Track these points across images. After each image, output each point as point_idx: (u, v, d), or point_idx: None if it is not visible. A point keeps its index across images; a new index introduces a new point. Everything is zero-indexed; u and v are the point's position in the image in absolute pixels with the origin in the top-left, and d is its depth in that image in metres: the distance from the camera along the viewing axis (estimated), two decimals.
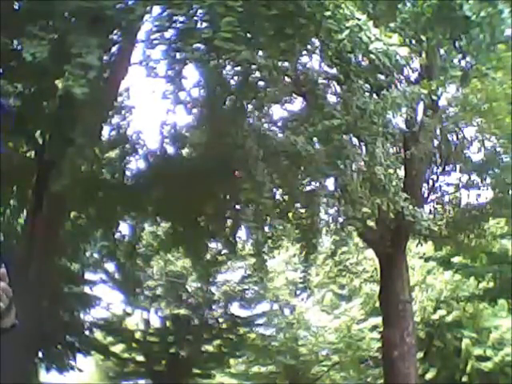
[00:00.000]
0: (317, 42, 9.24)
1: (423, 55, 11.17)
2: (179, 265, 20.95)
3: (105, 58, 8.82)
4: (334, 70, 10.24)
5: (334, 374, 23.00)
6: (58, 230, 10.89)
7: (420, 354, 17.33)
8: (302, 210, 12.23)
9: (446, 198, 14.24)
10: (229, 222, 13.14)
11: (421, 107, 12.64)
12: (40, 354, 17.24)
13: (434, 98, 11.97)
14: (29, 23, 7.48)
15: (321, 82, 10.82)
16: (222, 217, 12.94)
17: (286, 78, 10.92)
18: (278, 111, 22.11)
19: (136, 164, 13.38)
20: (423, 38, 10.67)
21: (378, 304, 14.95)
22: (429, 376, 18.87)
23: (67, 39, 7.35)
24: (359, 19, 8.04)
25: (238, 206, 12.47)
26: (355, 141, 10.84)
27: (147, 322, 22.26)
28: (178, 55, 8.33)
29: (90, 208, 13.09)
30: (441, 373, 19.08)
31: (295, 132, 10.79)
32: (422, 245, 14.75)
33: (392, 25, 9.73)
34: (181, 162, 12.63)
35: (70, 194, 9.94)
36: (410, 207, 10.26)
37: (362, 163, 10.56)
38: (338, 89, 11.01)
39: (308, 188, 11.83)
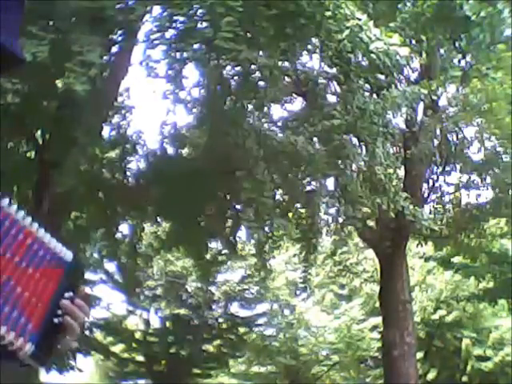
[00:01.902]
0: (317, 42, 9.25)
1: (423, 55, 11.17)
2: (179, 265, 20.95)
3: (105, 57, 8.83)
4: (334, 70, 10.25)
5: (334, 373, 23.00)
6: (58, 230, 10.88)
7: (420, 354, 17.33)
8: (302, 210, 12.23)
9: (446, 198, 14.25)
10: (229, 222, 13.14)
11: (421, 107, 12.65)
12: None
13: (434, 97, 11.97)
14: (29, 23, 7.49)
15: (321, 81, 10.82)
16: (222, 217, 12.94)
17: (286, 77, 10.93)
18: (277, 111, 22.03)
19: (136, 164, 13.38)
20: (423, 37, 10.68)
21: (378, 304, 14.95)
22: (430, 376, 18.88)
23: (68, 38, 7.36)
24: (359, 19, 8.05)
25: (238, 206, 12.47)
26: (355, 141, 10.85)
27: (147, 322, 22.26)
28: (178, 55, 8.33)
29: (90, 208, 13.09)
30: (441, 373, 19.08)
31: (295, 132, 10.79)
32: (422, 245, 14.74)
33: (392, 25, 9.74)
34: (181, 162, 12.63)
35: (71, 194, 9.94)
36: (411, 207, 10.27)
37: (362, 163, 10.57)
38: (338, 89, 11.01)
39: (308, 188, 11.84)
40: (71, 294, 1.48)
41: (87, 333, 20.05)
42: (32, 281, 1.39)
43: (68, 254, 1.51)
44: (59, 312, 1.45)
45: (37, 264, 1.41)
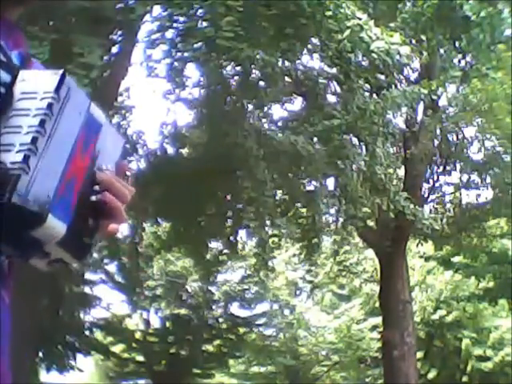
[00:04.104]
0: (317, 42, 9.25)
1: (423, 55, 11.18)
2: (179, 265, 20.96)
3: (105, 57, 8.83)
4: (334, 70, 10.25)
5: (334, 373, 23.00)
6: None
7: (420, 354, 17.33)
8: (303, 210, 12.24)
9: (447, 198, 14.25)
10: (229, 222, 13.14)
11: (421, 107, 12.66)
12: (40, 354, 17.24)
13: (434, 97, 11.97)
14: (29, 24, 7.48)
15: (321, 81, 10.82)
16: (222, 217, 12.95)
17: (286, 77, 10.93)
18: (278, 111, 22.02)
19: (136, 164, 13.38)
20: (423, 37, 10.68)
21: (378, 304, 14.95)
22: (430, 376, 18.87)
23: (68, 39, 7.35)
24: (360, 19, 8.05)
25: (238, 206, 12.47)
26: (355, 141, 10.85)
27: (147, 322, 22.26)
28: (178, 55, 8.33)
29: None
30: (441, 373, 19.08)
31: (295, 132, 10.80)
32: (422, 245, 14.75)
33: (392, 25, 9.74)
34: (181, 162, 12.63)
35: None
36: (411, 206, 10.27)
37: (362, 163, 10.57)
38: (338, 89, 11.01)
39: (308, 187, 11.84)
40: (108, 166, 1.19)
41: (87, 333, 20.07)
42: (80, 158, 1.11)
43: (101, 115, 1.18)
44: (97, 188, 1.16)
45: (89, 140, 1.13)
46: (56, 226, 1.04)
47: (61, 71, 1.07)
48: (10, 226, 1.00)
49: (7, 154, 1.00)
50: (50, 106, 1.03)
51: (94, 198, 1.15)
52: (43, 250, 1.08)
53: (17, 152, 1.00)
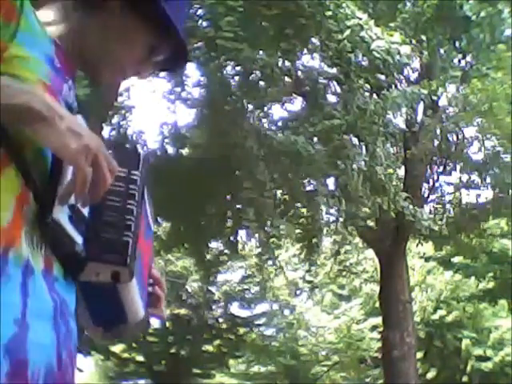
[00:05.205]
0: (317, 42, 9.26)
1: (424, 55, 11.19)
2: (179, 265, 20.97)
3: None
4: (334, 70, 10.25)
5: (334, 374, 23.00)
6: None
7: (420, 354, 17.33)
8: (303, 210, 12.24)
9: (446, 198, 14.25)
10: (229, 222, 13.14)
11: (421, 107, 12.66)
12: None
13: (434, 98, 11.98)
14: None
15: (321, 81, 10.83)
16: (222, 217, 12.94)
17: (286, 77, 10.94)
18: (278, 111, 22.03)
19: None
20: (423, 37, 10.69)
21: (378, 304, 14.95)
22: (429, 376, 18.87)
23: None
24: (360, 18, 8.06)
25: (238, 206, 12.47)
26: (355, 141, 10.85)
27: (147, 322, 22.26)
28: None
29: None
30: (441, 373, 19.08)
31: (295, 132, 10.79)
32: (422, 245, 14.74)
33: (392, 24, 9.75)
34: (181, 162, 12.63)
35: None
36: (411, 207, 10.28)
37: (362, 163, 10.58)
38: (338, 89, 11.02)
39: (308, 188, 11.84)
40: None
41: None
42: (146, 253, 1.33)
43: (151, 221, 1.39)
44: (150, 281, 1.41)
45: (146, 236, 1.33)
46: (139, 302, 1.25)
47: (140, 151, 1.20)
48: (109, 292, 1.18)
49: (116, 220, 1.12)
50: (135, 182, 1.15)
51: (150, 289, 1.40)
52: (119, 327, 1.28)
53: (123, 220, 1.12)
